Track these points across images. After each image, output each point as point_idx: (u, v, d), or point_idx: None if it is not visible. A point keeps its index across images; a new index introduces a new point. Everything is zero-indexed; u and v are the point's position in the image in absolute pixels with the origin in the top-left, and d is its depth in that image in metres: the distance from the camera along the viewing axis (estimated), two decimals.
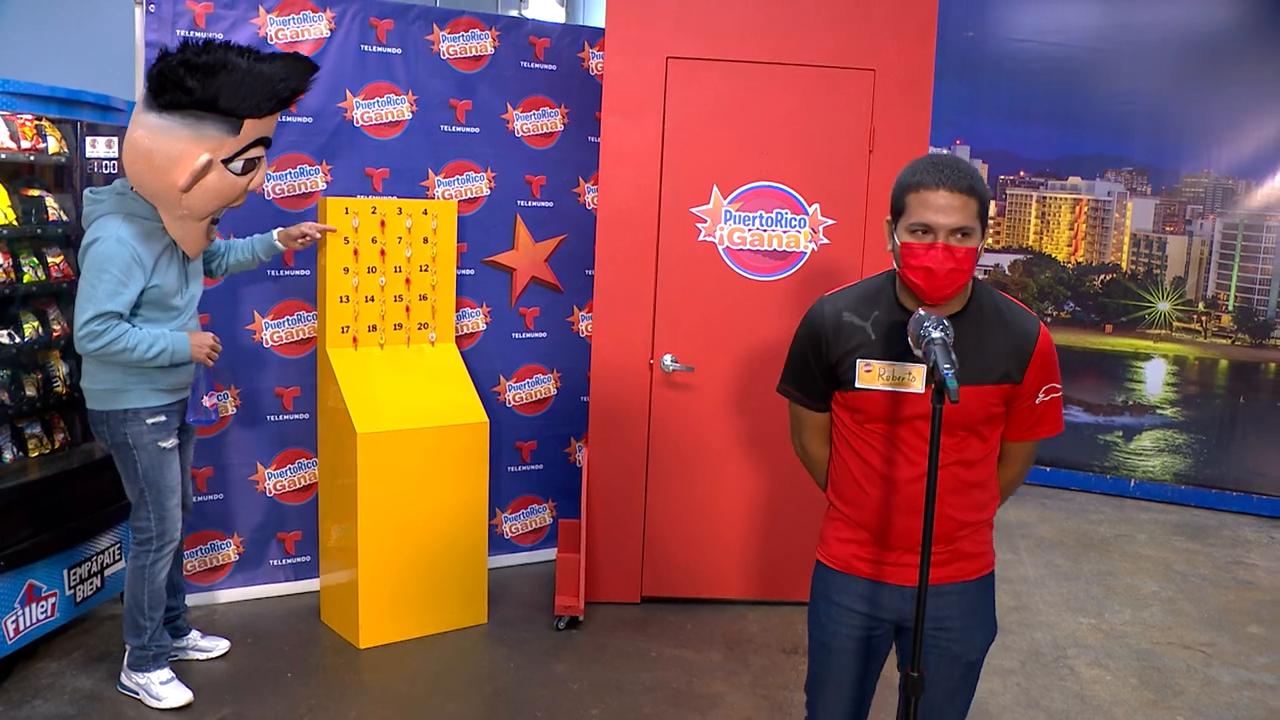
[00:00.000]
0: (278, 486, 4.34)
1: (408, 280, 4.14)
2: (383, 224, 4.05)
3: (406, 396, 4.02)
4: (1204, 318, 6.18)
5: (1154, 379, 6.28)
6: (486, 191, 4.61)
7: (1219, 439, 6.16)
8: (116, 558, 3.93)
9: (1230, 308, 6.12)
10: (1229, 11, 5.98)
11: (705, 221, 4.24)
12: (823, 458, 2.45)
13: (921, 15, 4.19)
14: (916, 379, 2.14)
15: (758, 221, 4.24)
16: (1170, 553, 5.44)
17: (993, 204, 6.27)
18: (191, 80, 3.05)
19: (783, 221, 4.25)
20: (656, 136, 4.19)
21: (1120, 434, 6.35)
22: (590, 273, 4.84)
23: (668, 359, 4.28)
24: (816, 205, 4.24)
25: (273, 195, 4.17)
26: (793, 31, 4.16)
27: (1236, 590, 4.95)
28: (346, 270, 4.00)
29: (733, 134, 4.20)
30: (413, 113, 4.40)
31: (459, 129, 4.52)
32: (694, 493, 4.37)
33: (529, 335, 4.80)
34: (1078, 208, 6.37)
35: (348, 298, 4.02)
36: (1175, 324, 6.23)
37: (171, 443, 3.34)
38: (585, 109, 4.75)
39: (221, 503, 4.23)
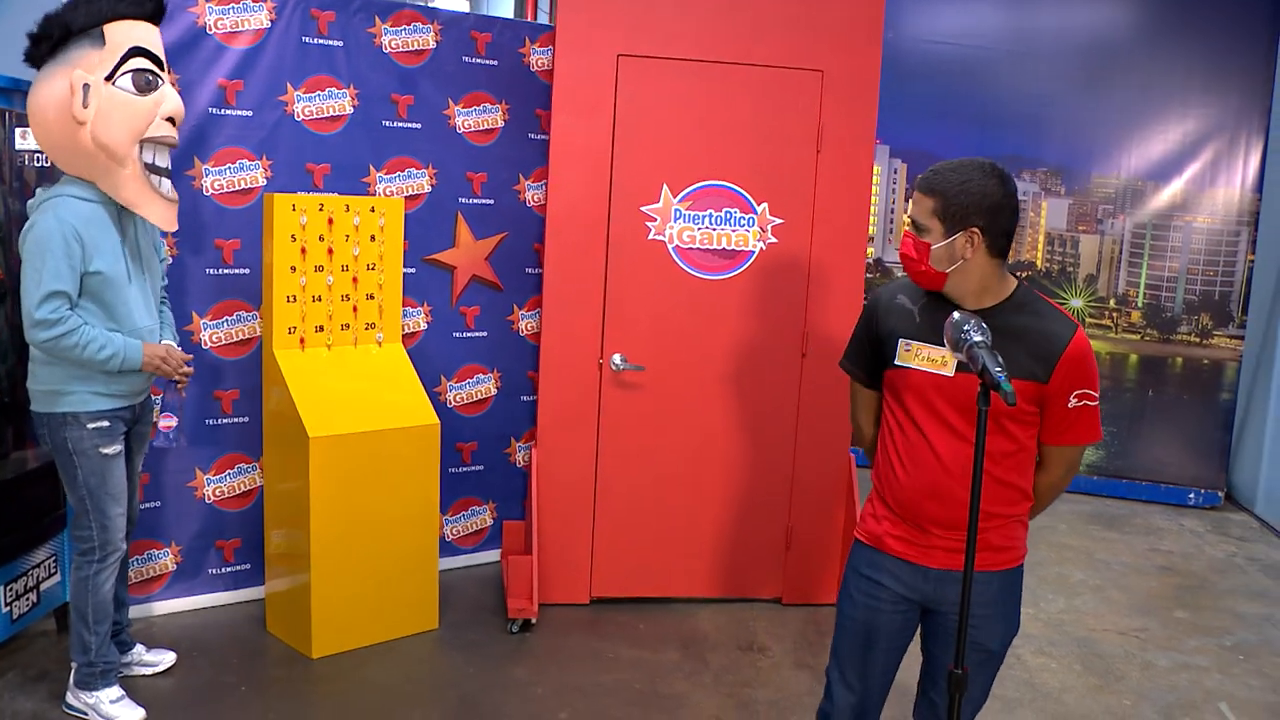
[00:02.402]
0: (217, 493, 4.19)
1: (355, 279, 4.03)
2: (330, 221, 3.94)
3: (356, 398, 3.92)
4: (1115, 314, 6.43)
5: None
6: (428, 188, 4.52)
7: (1129, 431, 6.42)
8: (53, 571, 3.74)
9: (1139, 304, 6.39)
10: (1136, 17, 6.23)
11: (655, 220, 4.24)
12: (871, 436, 2.64)
13: (869, 18, 4.26)
14: (949, 363, 2.28)
15: (707, 220, 4.26)
16: (1091, 541, 5.65)
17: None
18: (44, 27, 3.03)
19: (732, 220, 4.27)
20: (607, 134, 4.17)
21: None
22: (531, 271, 4.80)
23: (617, 358, 4.26)
24: (765, 204, 4.28)
25: (212, 191, 4.02)
26: (744, 32, 4.19)
27: (1157, 576, 5.17)
28: (293, 269, 3.88)
29: (683, 133, 4.21)
30: (354, 107, 4.30)
31: (400, 124, 4.42)
32: (644, 492, 4.37)
33: (470, 334, 4.72)
34: None
35: (294, 297, 3.90)
36: (1088, 320, 6.46)
37: (115, 449, 3.19)
38: (526, 105, 4.70)
39: (158, 511, 4.06)
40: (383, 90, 4.36)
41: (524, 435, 4.92)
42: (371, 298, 4.09)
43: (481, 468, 4.81)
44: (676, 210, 4.24)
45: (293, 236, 3.86)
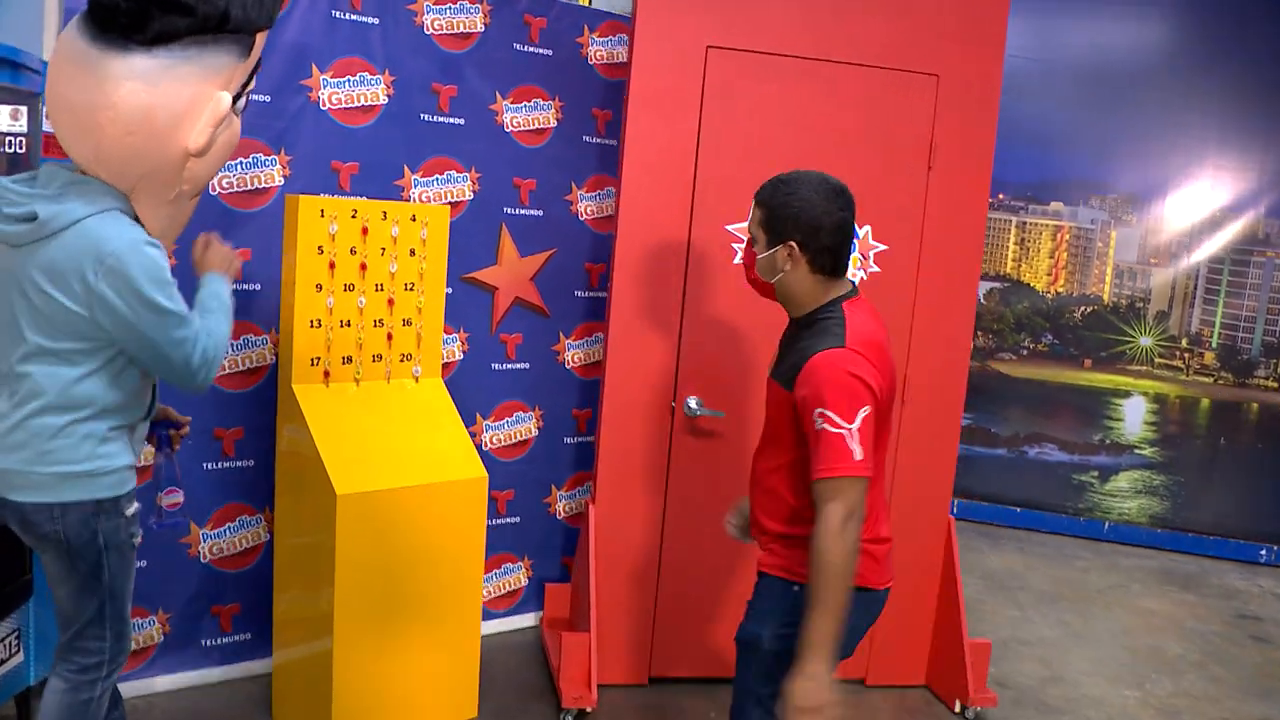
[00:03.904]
0: (214, 550, 3.50)
1: (390, 301, 3.38)
2: (364, 231, 3.28)
3: (390, 445, 3.26)
4: (1186, 355, 5.94)
5: (1133, 417, 6.01)
6: (469, 195, 3.88)
7: (1198, 481, 5.93)
8: (15, 650, 3.03)
9: (1214, 345, 5.90)
10: (1215, 33, 5.74)
11: (743, 241, 3.63)
12: None
13: (992, 16, 3.69)
14: (771, 365, 2.42)
15: None
16: (1172, 605, 5.13)
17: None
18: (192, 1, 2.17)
19: None
20: (690, 139, 3.55)
21: (1096, 474, 6.05)
22: (581, 294, 4.18)
23: (693, 401, 3.65)
24: (868, 228, 3.69)
25: (219, 190, 3.35)
26: (852, 25, 3.60)
27: (1257, 649, 4.66)
28: (319, 288, 3.22)
29: (778, 139, 3.61)
30: (389, 96, 3.64)
31: (441, 119, 3.78)
32: (714, 557, 3.75)
33: (510, 366, 4.08)
34: (1059, 235, 6.05)
35: (319, 322, 3.23)
36: (1157, 360, 5.97)
37: (140, 535, 2.50)
38: (582, 103, 4.08)
39: (144, 572, 3.34)
40: (423, 78, 3.71)
41: (565, 482, 4.28)
42: (408, 324, 3.43)
43: (518, 519, 4.16)
44: None
45: (320, 248, 3.20)
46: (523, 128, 3.97)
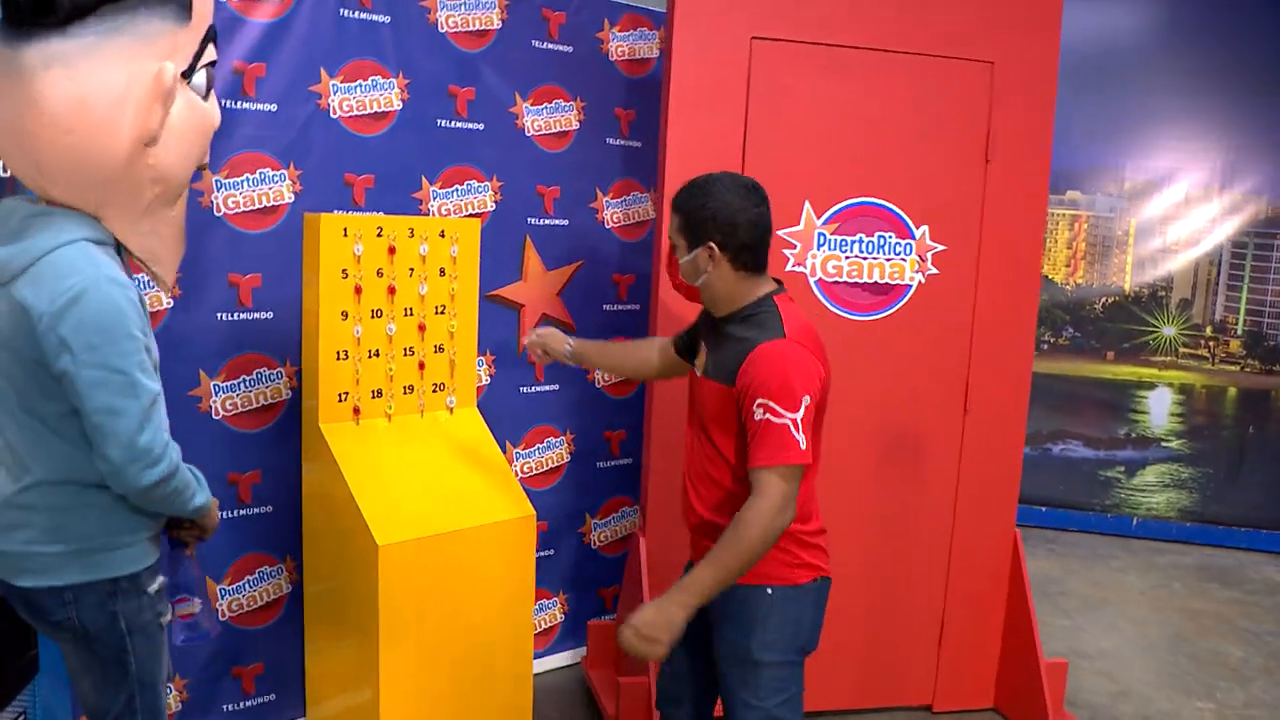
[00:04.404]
0: (233, 607, 3.18)
1: (421, 326, 3.08)
2: (391, 250, 2.98)
3: (430, 486, 2.96)
4: (1211, 343, 5.78)
5: (1159, 409, 5.84)
6: (491, 206, 3.58)
7: (1227, 472, 5.77)
8: None
9: (1239, 332, 5.74)
10: (1230, 12, 5.58)
11: (795, 247, 3.38)
12: (626, 367, 2.91)
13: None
14: (700, 365, 2.39)
15: (857, 247, 3.41)
16: (1219, 605, 4.95)
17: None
18: None
19: (886, 247, 3.43)
20: (736, 138, 3.29)
21: (1122, 469, 5.87)
22: (609, 308, 3.91)
23: None
24: (925, 228, 3.45)
25: (225, 210, 3.02)
26: (901, 10, 3.35)
27: None
28: (345, 316, 2.91)
29: (829, 136, 3.36)
30: (403, 101, 3.34)
31: (459, 124, 3.48)
32: None
33: (539, 389, 3.79)
34: (1076, 225, 5.86)
35: (346, 353, 2.93)
36: (1181, 350, 5.80)
37: (170, 612, 2.19)
38: (604, 103, 3.80)
39: None
40: (438, 80, 3.41)
41: (600, 510, 4.00)
42: (440, 350, 3.14)
43: (551, 552, 3.87)
44: (820, 234, 3.38)
45: (344, 271, 2.89)
46: (544, 131, 3.68)
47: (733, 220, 2.26)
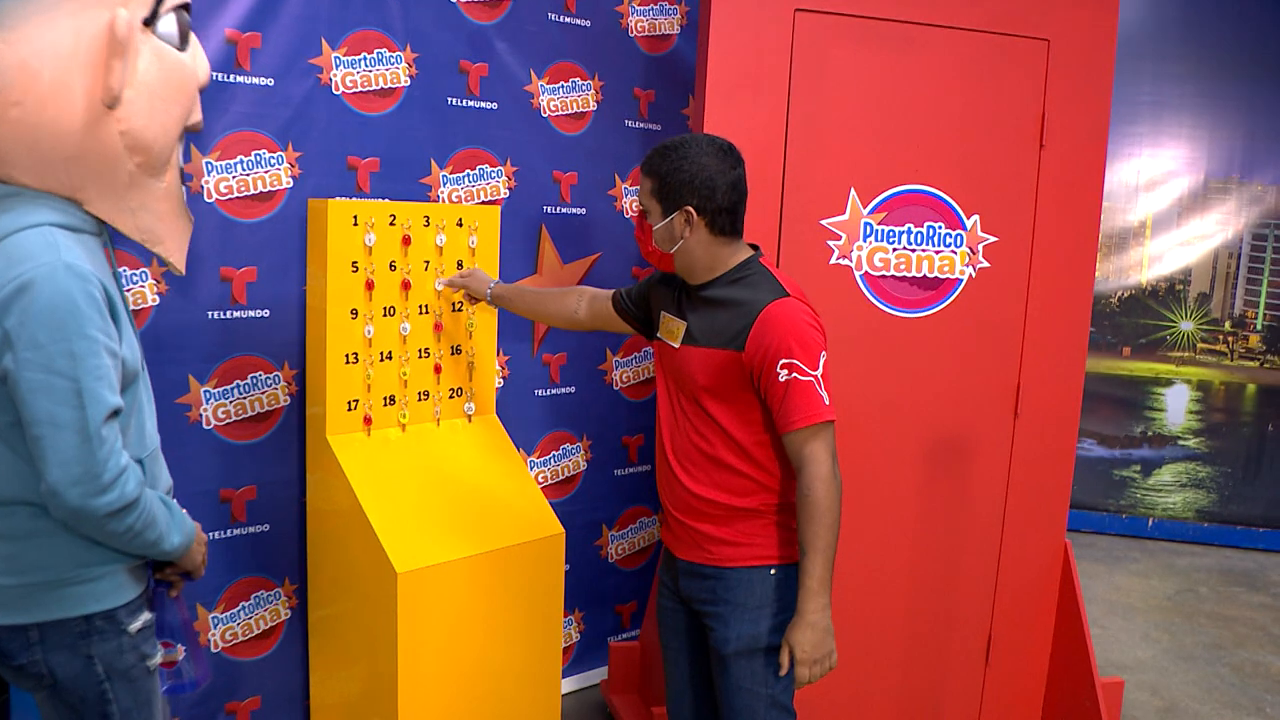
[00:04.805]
0: (228, 636, 2.86)
1: (438, 325, 2.78)
2: (406, 241, 2.68)
3: (451, 504, 2.67)
4: (1230, 338, 5.60)
5: (1175, 407, 5.65)
6: (505, 193, 3.29)
7: (1245, 471, 5.60)
8: None
9: (1258, 326, 5.56)
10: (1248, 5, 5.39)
11: (840, 238, 3.11)
12: (558, 316, 2.71)
13: None
14: (678, 334, 2.24)
15: (905, 238, 3.15)
16: (1249, 611, 4.77)
17: None
18: None
19: (936, 239, 3.17)
20: (779, 120, 3.01)
21: (1138, 468, 5.68)
22: None
23: None
24: (976, 217, 3.19)
25: (216, 197, 2.71)
26: None
27: None
28: (355, 314, 2.61)
29: (875, 118, 3.09)
30: (411, 77, 3.03)
31: (472, 103, 3.18)
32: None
33: (555, 391, 3.51)
34: None
35: (356, 356, 2.63)
36: (1199, 345, 5.62)
37: (159, 654, 1.88)
38: (623, 83, 3.52)
39: None
40: (449, 55, 3.11)
41: (617, 521, 3.72)
42: (458, 352, 2.84)
43: (568, 567, 3.57)
44: (867, 225, 3.12)
45: (354, 264, 2.59)
46: (560, 112, 3.39)
47: (711, 183, 2.15)
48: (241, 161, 2.74)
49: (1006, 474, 3.33)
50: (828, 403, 2.10)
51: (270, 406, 2.86)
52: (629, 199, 3.58)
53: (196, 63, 1.90)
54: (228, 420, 2.80)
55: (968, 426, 3.29)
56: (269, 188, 2.80)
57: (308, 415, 2.72)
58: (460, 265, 2.80)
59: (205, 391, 2.75)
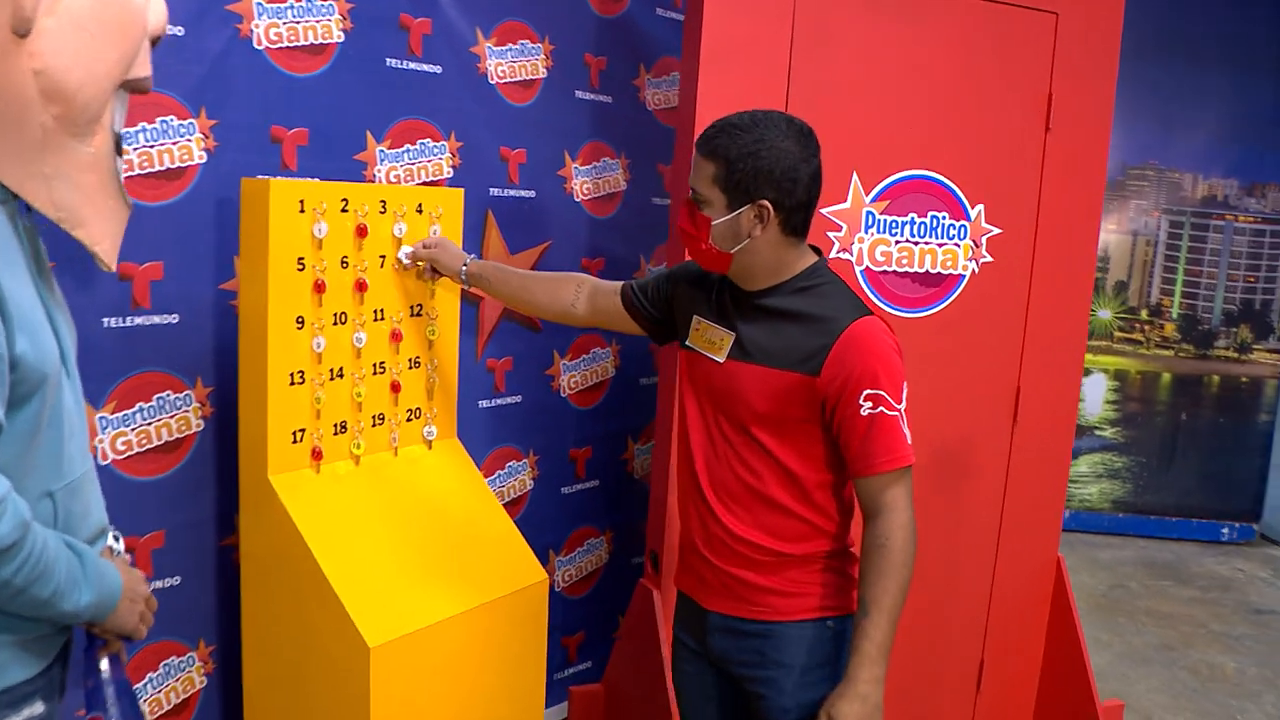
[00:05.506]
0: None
1: (396, 334, 2.30)
2: (361, 231, 2.19)
3: (420, 553, 2.20)
4: (1147, 327, 5.55)
5: (1093, 397, 5.58)
6: (449, 172, 2.81)
7: (1159, 461, 5.58)
8: None
9: (1174, 315, 5.54)
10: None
11: (841, 229, 2.77)
12: (553, 310, 2.28)
13: None
14: (724, 347, 1.90)
15: (908, 229, 2.83)
16: (1183, 606, 4.72)
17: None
18: None
19: (939, 230, 2.87)
20: (778, 95, 2.64)
21: None
22: None
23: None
24: (981, 207, 2.91)
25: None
26: None
27: None
28: (301, 323, 2.11)
29: (878, 96, 2.76)
30: (345, 31, 2.52)
31: (412, 64, 2.69)
32: None
33: (501, 401, 3.05)
34: None
35: (302, 376, 2.12)
36: (1116, 334, 5.56)
37: None
38: (573, 47, 3.08)
39: None
40: (389, 5, 2.61)
41: (564, 545, 3.30)
42: (417, 364, 2.37)
43: None
44: (869, 214, 2.79)
45: (300, 261, 2.09)
46: (508, 79, 2.92)
47: (793, 173, 1.80)
48: (144, 130, 2.19)
49: (1003, 485, 3.09)
50: (909, 442, 1.82)
51: (181, 433, 2.32)
52: (579, 180, 3.15)
53: (149, 2, 1.41)
54: (129, 453, 2.25)
55: (965, 436, 3.02)
56: (177, 163, 2.25)
57: (240, 450, 2.19)
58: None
59: (101, 419, 2.19)
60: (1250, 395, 5.55)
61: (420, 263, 2.31)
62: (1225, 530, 5.58)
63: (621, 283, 2.19)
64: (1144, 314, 5.55)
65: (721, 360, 1.89)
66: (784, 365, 1.82)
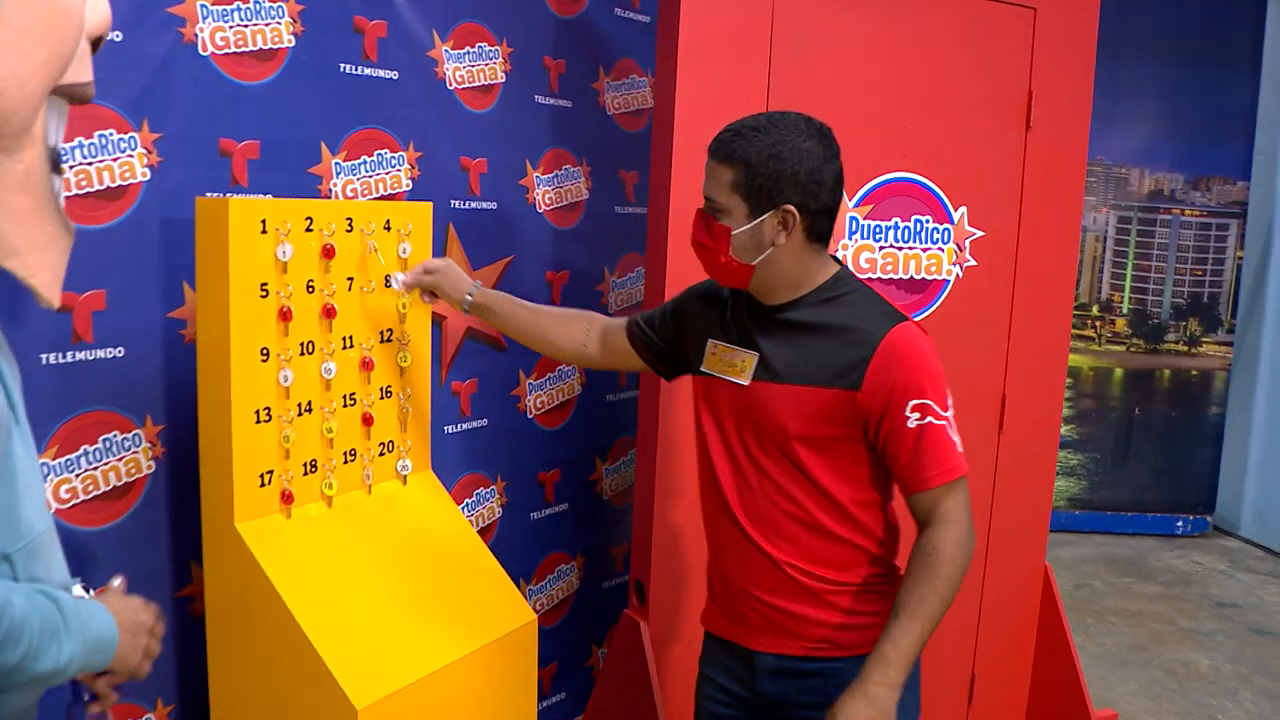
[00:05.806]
0: None
1: (367, 362, 2.12)
2: (328, 252, 2.01)
3: (402, 601, 2.03)
4: (1098, 323, 5.56)
5: None
6: (408, 184, 2.63)
7: (1114, 456, 5.59)
8: None
9: (1124, 310, 5.55)
10: None
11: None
12: (566, 352, 2.18)
13: None
14: (747, 370, 1.79)
15: (892, 234, 2.73)
16: (1150, 604, 4.70)
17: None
18: None
19: (923, 234, 2.77)
20: (759, 96, 2.52)
21: None
22: None
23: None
24: (964, 209, 2.82)
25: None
26: None
27: (1272, 646, 4.29)
28: (266, 354, 1.92)
29: (860, 96, 2.65)
30: (296, 35, 2.34)
31: (368, 70, 2.51)
32: None
33: (466, 426, 2.88)
34: None
35: (268, 413, 1.94)
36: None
37: None
38: (531, 49, 2.93)
39: None
40: (341, 8, 2.43)
41: (534, 573, 3.14)
42: (388, 394, 2.19)
43: None
44: (853, 219, 2.68)
45: (264, 288, 1.90)
46: (467, 84, 2.76)
47: (817, 176, 1.70)
48: (81, 145, 1.99)
49: (991, 496, 3.00)
50: (960, 450, 1.72)
51: (130, 476, 2.12)
52: (540, 189, 2.99)
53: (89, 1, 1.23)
54: (74, 501, 2.04)
55: None
56: (118, 181, 2.05)
57: (203, 496, 1.99)
58: (390, 281, 2.15)
59: (43, 464, 1.98)
60: (1200, 388, 5.59)
61: (410, 291, 2.15)
62: (1180, 523, 5.61)
63: (626, 318, 2.09)
64: (1095, 310, 5.56)
65: (746, 383, 1.78)
66: (819, 382, 1.72)
